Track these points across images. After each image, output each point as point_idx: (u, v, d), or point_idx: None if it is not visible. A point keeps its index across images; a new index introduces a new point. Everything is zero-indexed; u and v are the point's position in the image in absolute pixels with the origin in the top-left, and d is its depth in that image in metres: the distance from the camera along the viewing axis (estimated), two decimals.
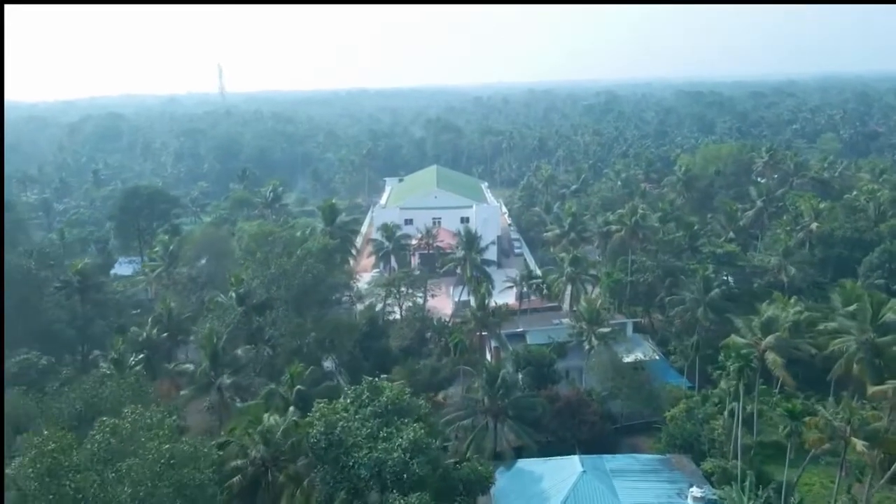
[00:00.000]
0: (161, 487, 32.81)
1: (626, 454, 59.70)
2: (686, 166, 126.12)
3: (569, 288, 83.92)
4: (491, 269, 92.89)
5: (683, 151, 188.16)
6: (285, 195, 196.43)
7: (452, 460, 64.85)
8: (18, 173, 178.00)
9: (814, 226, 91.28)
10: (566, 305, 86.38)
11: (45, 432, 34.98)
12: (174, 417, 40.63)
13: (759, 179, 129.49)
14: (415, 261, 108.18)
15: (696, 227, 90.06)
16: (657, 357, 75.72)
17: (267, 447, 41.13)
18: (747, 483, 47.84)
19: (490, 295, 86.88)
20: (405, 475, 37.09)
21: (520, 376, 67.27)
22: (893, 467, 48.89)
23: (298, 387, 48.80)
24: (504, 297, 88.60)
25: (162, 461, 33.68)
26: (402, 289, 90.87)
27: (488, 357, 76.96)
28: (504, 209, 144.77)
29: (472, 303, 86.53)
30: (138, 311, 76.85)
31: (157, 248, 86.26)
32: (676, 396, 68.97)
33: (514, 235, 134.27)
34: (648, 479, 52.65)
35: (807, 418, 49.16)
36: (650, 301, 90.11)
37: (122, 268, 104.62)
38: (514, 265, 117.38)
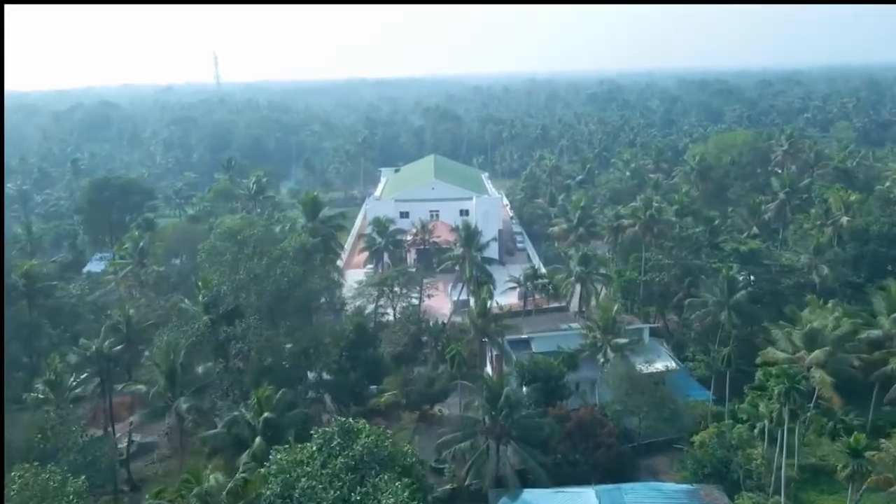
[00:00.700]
0: None
1: (648, 483, 52.31)
2: (700, 155, 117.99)
3: (578, 288, 76.37)
4: (492, 267, 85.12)
5: (692, 140, 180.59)
6: (280, 186, 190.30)
7: (449, 486, 58.29)
8: None
9: (844, 220, 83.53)
10: (574, 306, 78.99)
11: None
12: (82, 479, 32.56)
13: (776, 170, 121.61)
14: (411, 257, 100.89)
15: (716, 222, 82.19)
16: (677, 367, 68.25)
17: None
18: None
19: (491, 297, 79.77)
20: None
21: (524, 389, 59.98)
22: None
23: (266, 414, 41.26)
24: (506, 296, 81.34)
25: None
26: (396, 289, 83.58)
27: (488, 368, 69.37)
28: (505, 201, 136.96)
29: (472, 303, 79.47)
30: (106, 314, 68.33)
31: (126, 245, 78.58)
32: (701, 413, 61.72)
33: (517, 229, 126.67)
34: None
35: (869, 453, 41.64)
36: (666, 302, 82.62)
37: (96, 265, 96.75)
38: (516, 261, 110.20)
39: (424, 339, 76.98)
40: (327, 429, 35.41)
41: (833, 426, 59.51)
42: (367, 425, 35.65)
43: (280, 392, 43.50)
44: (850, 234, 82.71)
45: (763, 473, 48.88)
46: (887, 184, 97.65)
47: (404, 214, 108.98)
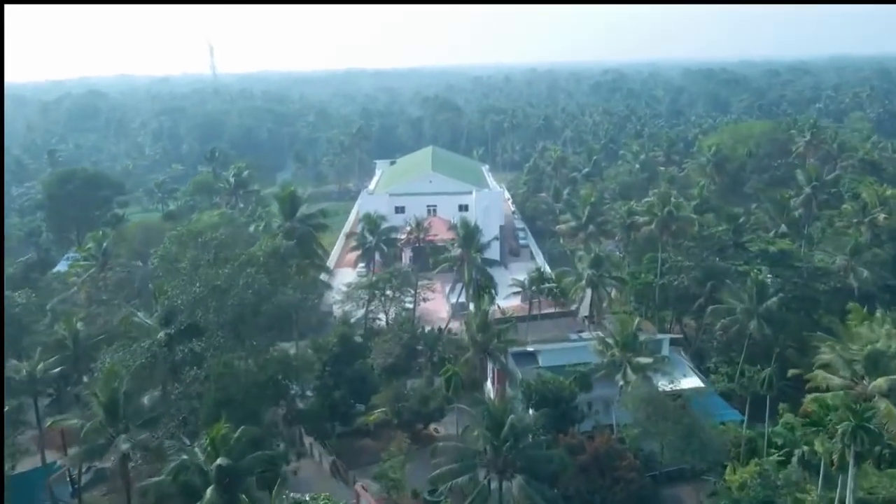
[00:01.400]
0: None
1: None
2: (716, 146, 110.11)
3: (588, 293, 68.73)
4: (494, 269, 77.39)
5: (702, 131, 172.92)
6: (277, 177, 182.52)
7: None
8: None
9: (881, 217, 75.96)
10: (584, 310, 71.39)
11: None
12: None
13: (796, 162, 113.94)
14: (406, 256, 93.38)
15: (741, 220, 74.51)
16: (701, 383, 60.81)
17: None
18: None
19: (493, 301, 72.26)
20: None
21: (530, 412, 52.55)
22: None
23: (219, 462, 33.68)
24: (509, 297, 73.91)
25: None
26: (389, 292, 76.08)
27: (489, 384, 61.86)
28: (507, 195, 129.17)
29: (472, 307, 72.03)
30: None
31: (90, 245, 70.88)
32: (732, 439, 54.14)
33: (519, 225, 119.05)
34: None
35: None
36: (684, 307, 75.19)
37: (66, 266, 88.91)
38: (519, 259, 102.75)
39: (420, 347, 69.92)
40: None
41: (880, 452, 52.27)
42: None
43: (240, 430, 35.89)
44: (889, 232, 75.15)
45: None
46: None
47: (399, 209, 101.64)
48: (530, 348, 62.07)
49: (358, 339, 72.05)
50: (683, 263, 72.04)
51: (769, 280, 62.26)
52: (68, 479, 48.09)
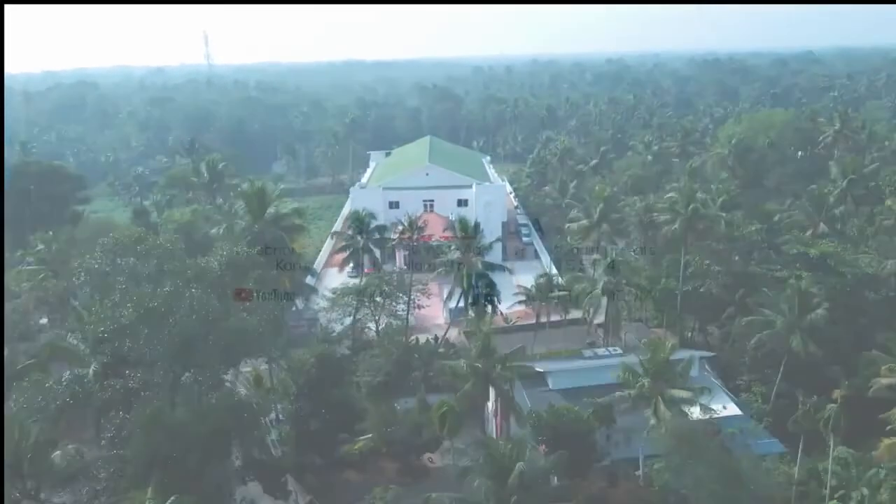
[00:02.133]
0: None
1: None
2: (736, 136, 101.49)
3: (603, 302, 60.30)
4: (496, 273, 68.90)
5: (713, 121, 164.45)
6: (273, 167, 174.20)
7: None
8: None
9: None
10: (597, 319, 62.96)
11: None
12: None
13: (822, 153, 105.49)
14: (399, 257, 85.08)
15: (776, 218, 66.06)
16: (739, 410, 52.49)
17: None
18: None
19: (496, 311, 64.03)
20: None
21: (542, 448, 44.33)
22: None
23: None
24: (512, 299, 65.91)
25: None
26: (379, 298, 67.83)
27: (489, 414, 53.43)
28: (509, 188, 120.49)
29: (471, 313, 63.87)
30: None
31: (39, 248, 62.43)
32: (776, 477, 45.92)
33: (522, 220, 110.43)
34: None
35: None
36: (711, 316, 67.03)
37: None
38: (524, 258, 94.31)
39: (416, 356, 61.87)
40: None
41: None
42: None
43: (172, 499, 27.64)
44: None
45: None
46: None
47: (394, 205, 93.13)
48: (539, 368, 53.71)
49: (346, 351, 64.24)
50: (711, 268, 63.65)
51: (815, 290, 53.91)
52: None
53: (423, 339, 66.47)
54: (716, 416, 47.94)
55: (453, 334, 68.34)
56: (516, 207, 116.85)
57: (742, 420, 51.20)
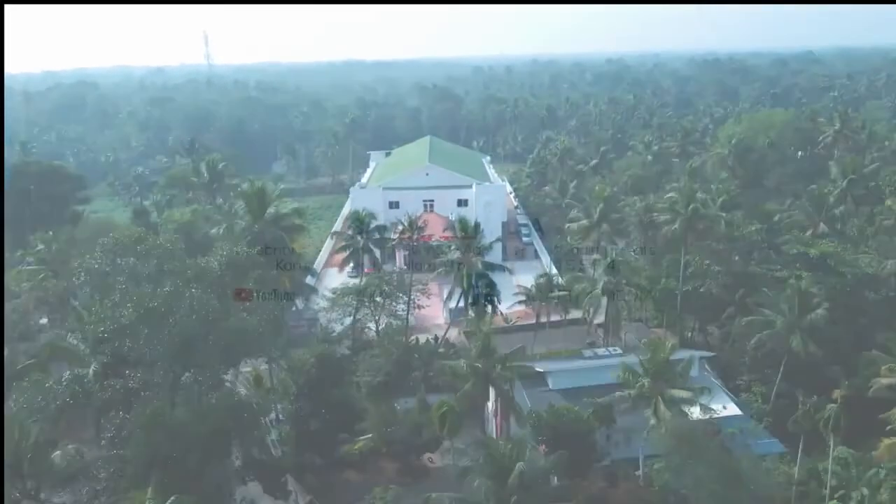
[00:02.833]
0: None
1: None
2: (736, 136, 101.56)
3: (604, 302, 60.34)
4: (496, 273, 68.98)
5: (713, 121, 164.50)
6: (273, 167, 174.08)
7: None
8: None
9: None
10: (597, 319, 62.98)
11: None
12: None
13: (822, 153, 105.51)
14: (399, 257, 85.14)
15: (776, 218, 66.08)
16: (739, 410, 52.52)
17: None
18: None
19: (496, 311, 64.07)
20: None
21: (542, 448, 44.36)
22: None
23: None
24: (512, 298, 65.93)
25: None
26: (378, 299, 67.89)
27: (489, 408, 53.45)
28: (509, 188, 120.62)
29: (471, 313, 63.91)
30: None
31: (39, 247, 62.46)
32: (776, 477, 45.94)
33: (522, 220, 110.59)
34: None
35: None
36: (710, 316, 67.03)
37: None
38: (524, 258, 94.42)
39: (415, 356, 61.92)
40: None
41: None
42: None
43: (171, 501, 27.64)
44: None
45: None
46: None
47: (394, 205, 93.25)
48: (539, 368, 53.77)
49: (346, 351, 64.33)
50: (711, 268, 63.69)
51: (815, 290, 53.96)
52: None
53: (423, 339, 66.61)
54: (716, 416, 48.01)
55: (453, 334, 68.45)
56: (516, 207, 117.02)
57: (742, 420, 51.26)
